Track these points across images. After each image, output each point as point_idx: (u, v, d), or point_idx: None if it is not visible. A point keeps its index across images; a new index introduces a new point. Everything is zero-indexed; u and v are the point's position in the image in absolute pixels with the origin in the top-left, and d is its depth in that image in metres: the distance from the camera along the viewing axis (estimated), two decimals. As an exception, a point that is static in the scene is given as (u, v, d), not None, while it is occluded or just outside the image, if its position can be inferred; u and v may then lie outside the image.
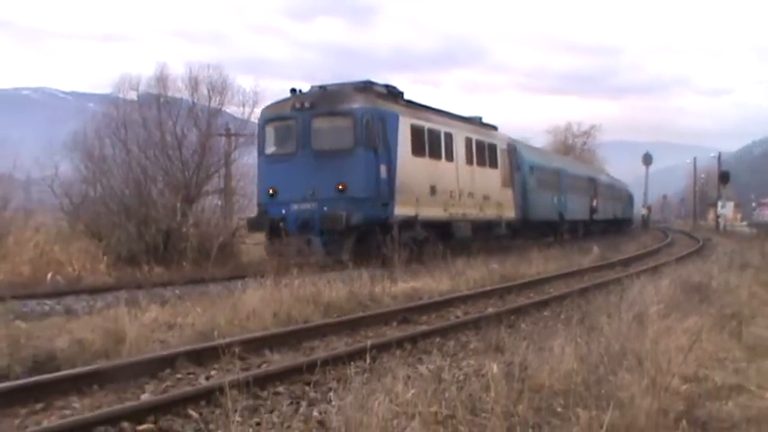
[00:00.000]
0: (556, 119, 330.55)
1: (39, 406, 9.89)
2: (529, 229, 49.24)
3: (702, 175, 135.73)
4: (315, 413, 8.88)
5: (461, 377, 10.06)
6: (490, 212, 41.57)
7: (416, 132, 34.54)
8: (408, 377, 9.02)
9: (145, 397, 10.51)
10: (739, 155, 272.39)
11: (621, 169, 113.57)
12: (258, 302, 16.37)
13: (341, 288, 19.17)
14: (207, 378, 11.43)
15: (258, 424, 8.17)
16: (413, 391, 8.28)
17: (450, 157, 37.43)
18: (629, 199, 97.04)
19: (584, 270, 30.00)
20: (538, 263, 31.19)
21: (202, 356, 12.27)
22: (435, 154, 36.09)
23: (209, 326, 14.53)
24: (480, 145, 41.51)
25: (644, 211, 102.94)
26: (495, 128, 46.90)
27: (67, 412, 9.74)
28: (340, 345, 13.97)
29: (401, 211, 32.54)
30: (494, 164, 43.01)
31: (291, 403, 9.78)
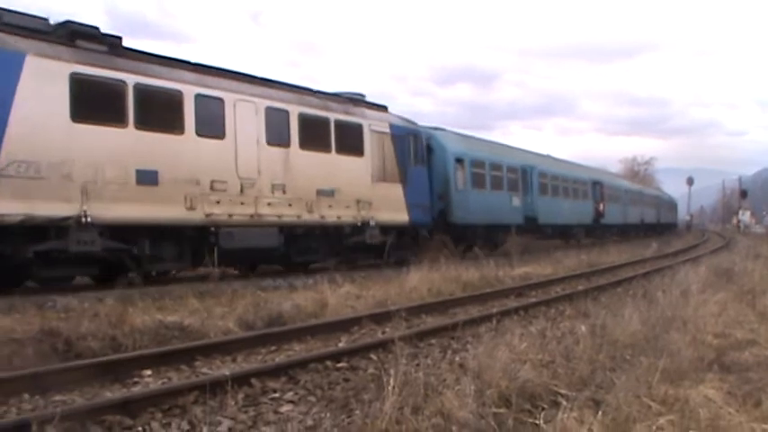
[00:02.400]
0: (625, 152, 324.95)
1: (272, 348, 10.18)
2: (459, 234, 28.49)
3: (728, 192, 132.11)
4: (456, 358, 8.86)
5: (559, 334, 9.94)
6: (339, 214, 21.84)
7: (92, 86, 15.76)
8: (522, 334, 8.98)
9: (341, 344, 10.67)
10: (754, 178, 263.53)
11: (672, 188, 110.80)
12: (418, 281, 16.43)
13: (474, 272, 19.11)
14: (382, 333, 11.49)
15: (417, 365, 8.20)
16: (525, 344, 8.27)
17: (215, 133, 18.35)
18: (671, 206, 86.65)
19: (646, 259, 29.28)
20: (614, 255, 30.62)
21: (379, 318, 12.31)
22: (163, 124, 17.19)
23: (384, 297, 14.65)
24: (315, 123, 21.43)
25: (687, 218, 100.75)
26: (380, 107, 25.47)
27: (291, 353, 9.97)
28: (474, 311, 13.89)
29: None
30: (355, 150, 22.88)
31: (440, 351, 9.82)
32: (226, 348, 9.79)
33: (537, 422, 5.84)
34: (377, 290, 15.51)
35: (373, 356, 9.45)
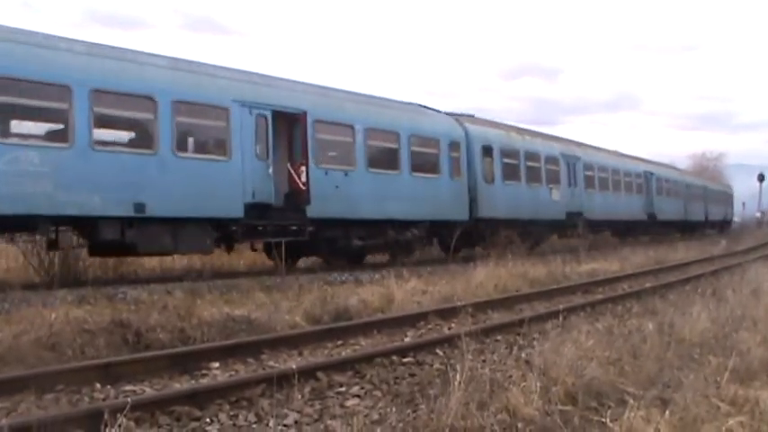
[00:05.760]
0: (694, 148, 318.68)
1: (339, 342, 10.25)
2: None
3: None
4: (522, 355, 8.83)
5: (626, 332, 9.84)
6: None
7: None
8: (588, 331, 8.92)
9: (407, 339, 10.70)
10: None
11: (742, 185, 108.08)
12: (484, 277, 16.39)
13: (541, 268, 19.03)
14: (449, 328, 11.45)
15: (483, 361, 8.22)
16: (591, 341, 8.23)
17: None
18: (717, 197, 65.16)
19: (715, 257, 28.79)
20: (682, 251, 30.16)
21: (445, 313, 12.24)
22: None
23: (450, 293, 14.64)
24: None
25: (758, 215, 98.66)
26: None
27: (357, 347, 10.05)
28: (540, 308, 13.79)
29: None
30: None
31: (506, 347, 9.78)
32: (292, 342, 9.89)
33: (603, 420, 5.82)
34: (443, 285, 15.51)
35: (439, 352, 9.48)
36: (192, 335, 9.91)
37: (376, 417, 6.50)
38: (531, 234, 28.23)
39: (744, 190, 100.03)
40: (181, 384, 7.82)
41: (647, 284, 17.71)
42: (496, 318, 12.71)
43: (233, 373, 8.44)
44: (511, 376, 7.13)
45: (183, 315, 10.61)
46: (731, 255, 30.55)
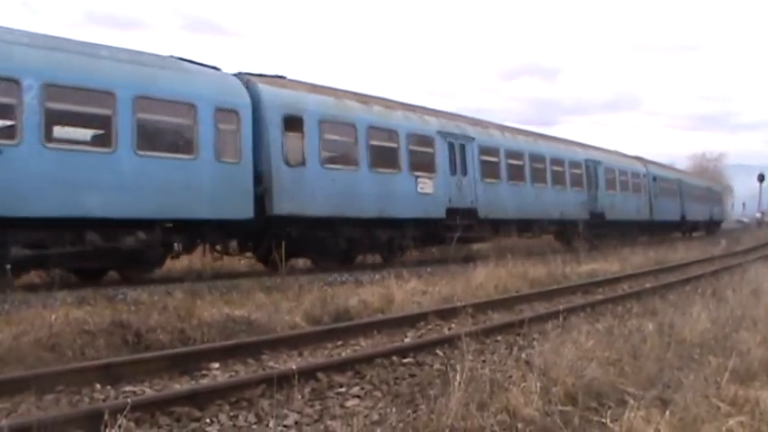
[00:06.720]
0: (694, 149, 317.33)
1: (339, 342, 10.26)
2: None
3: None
4: (522, 355, 8.83)
5: (626, 332, 9.84)
6: None
7: None
8: (589, 332, 8.92)
9: (407, 340, 10.70)
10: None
11: (743, 186, 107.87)
12: (484, 278, 16.38)
13: (541, 268, 19.01)
14: (449, 329, 11.44)
15: (484, 361, 8.22)
16: (592, 341, 8.24)
17: None
18: (709, 196, 58.37)
19: (715, 257, 28.72)
20: (682, 251, 30.13)
21: (446, 314, 12.22)
22: None
23: (450, 293, 14.63)
24: None
25: (758, 215, 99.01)
26: None
27: (357, 348, 10.05)
28: (541, 308, 13.78)
29: None
30: None
31: (506, 348, 9.78)
32: (292, 342, 9.89)
33: (603, 420, 5.83)
34: (443, 286, 15.51)
35: (439, 352, 9.48)
36: (192, 335, 9.92)
37: (376, 417, 6.51)
38: (378, 238, 21.83)
39: (744, 190, 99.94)
40: (181, 385, 7.82)
41: (647, 285, 17.69)
42: (496, 318, 12.71)
43: (233, 373, 8.44)
44: (511, 377, 7.13)
45: (183, 316, 10.61)
46: (731, 255, 30.52)
